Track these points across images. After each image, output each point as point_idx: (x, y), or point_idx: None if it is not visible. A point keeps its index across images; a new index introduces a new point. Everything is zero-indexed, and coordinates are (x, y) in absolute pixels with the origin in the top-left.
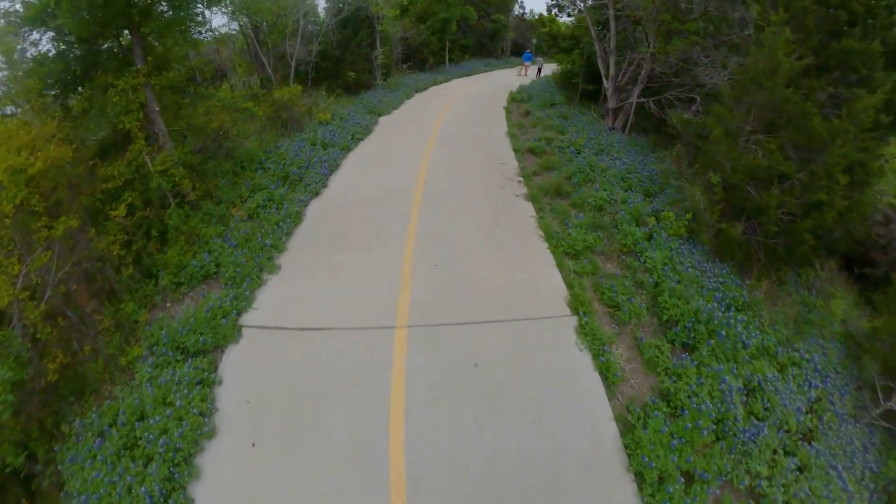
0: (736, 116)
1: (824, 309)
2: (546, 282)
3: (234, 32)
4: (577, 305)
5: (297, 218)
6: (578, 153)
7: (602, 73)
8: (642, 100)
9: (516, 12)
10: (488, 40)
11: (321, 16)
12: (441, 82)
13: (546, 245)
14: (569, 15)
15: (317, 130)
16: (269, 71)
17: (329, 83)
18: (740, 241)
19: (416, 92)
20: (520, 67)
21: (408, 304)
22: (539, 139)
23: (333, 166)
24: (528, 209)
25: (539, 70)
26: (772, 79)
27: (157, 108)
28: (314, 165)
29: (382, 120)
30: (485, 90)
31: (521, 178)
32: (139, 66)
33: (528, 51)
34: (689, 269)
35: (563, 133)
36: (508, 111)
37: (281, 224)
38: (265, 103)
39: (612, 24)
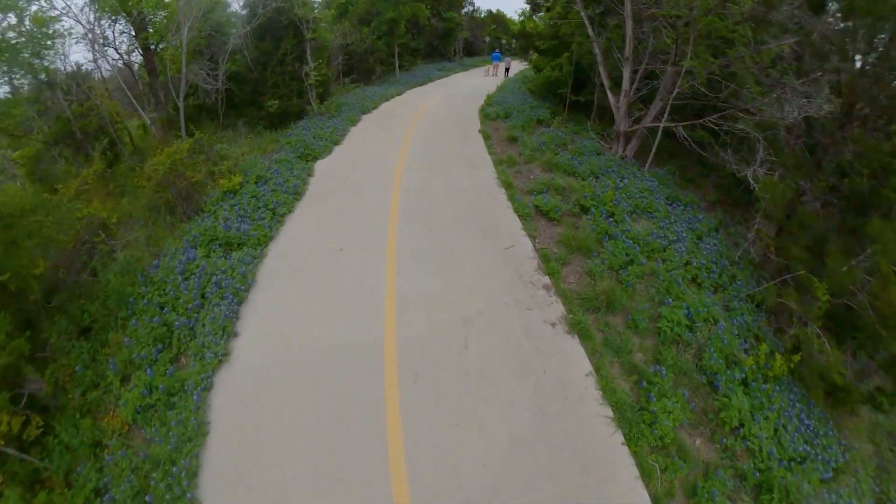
0: None
1: None
2: None
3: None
4: None
5: (200, 430)
6: (611, 216)
7: (605, 84)
8: (671, 124)
9: (466, 9)
10: (440, 41)
11: (231, 20)
12: (393, 96)
13: (621, 440)
14: (547, 9)
15: (218, 212)
16: (181, 106)
17: (248, 116)
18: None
19: (364, 113)
20: (488, 67)
21: None
22: (546, 188)
23: (241, 293)
24: (576, 356)
25: (507, 70)
26: None
27: None
28: (211, 299)
29: (320, 168)
30: (450, 104)
31: (544, 276)
32: None
33: (498, 50)
34: (804, 447)
35: (574, 174)
36: (487, 136)
37: (176, 445)
38: (140, 175)
39: (629, 24)
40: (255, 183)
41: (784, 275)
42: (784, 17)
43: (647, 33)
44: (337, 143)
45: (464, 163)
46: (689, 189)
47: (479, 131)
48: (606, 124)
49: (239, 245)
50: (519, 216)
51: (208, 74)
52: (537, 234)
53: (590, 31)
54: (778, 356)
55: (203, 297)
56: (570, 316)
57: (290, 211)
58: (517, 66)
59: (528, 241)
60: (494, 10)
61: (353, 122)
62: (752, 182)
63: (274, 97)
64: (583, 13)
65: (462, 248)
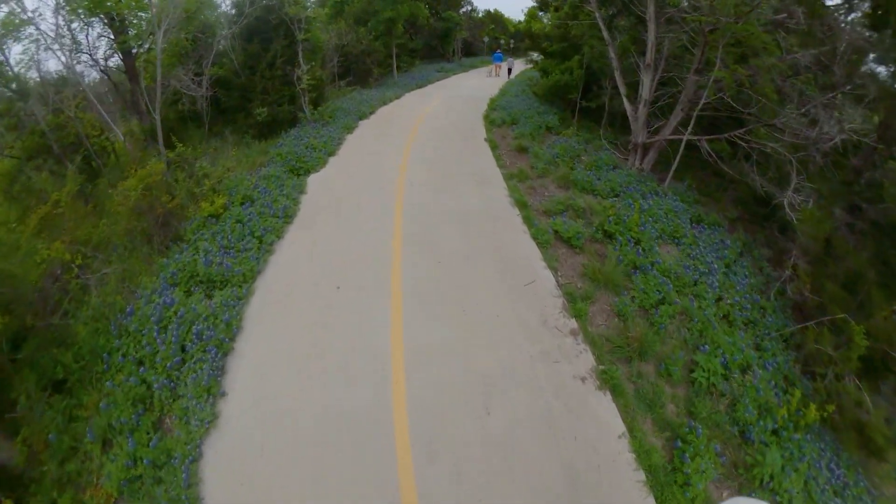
0: None
1: None
2: None
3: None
4: None
5: None
6: (637, 242)
7: (621, 91)
8: (694, 137)
9: (464, 9)
10: (438, 42)
11: (218, 21)
12: (391, 100)
13: None
14: (556, 9)
15: (199, 243)
16: (157, 119)
17: (236, 124)
18: None
19: (361, 119)
20: (490, 68)
21: None
22: (564, 208)
23: (226, 344)
24: (608, 416)
25: (510, 70)
26: None
27: None
28: (192, 353)
29: (313, 184)
30: (452, 108)
31: (570, 318)
32: None
33: (499, 51)
34: (835, 501)
35: (593, 191)
36: (494, 145)
37: None
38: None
39: (653, 28)
40: (241, 204)
41: (818, 313)
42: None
43: (664, 38)
44: (332, 153)
45: (471, 178)
46: (708, 205)
47: (486, 140)
48: (619, 131)
49: (222, 283)
50: (537, 243)
51: (193, 80)
52: (559, 266)
53: (604, 34)
54: (812, 406)
55: (183, 350)
56: (601, 367)
57: (279, 237)
58: (519, 66)
59: (550, 274)
60: (492, 10)
61: (350, 129)
62: (787, 210)
63: (263, 104)
64: (597, 14)
65: (476, 284)
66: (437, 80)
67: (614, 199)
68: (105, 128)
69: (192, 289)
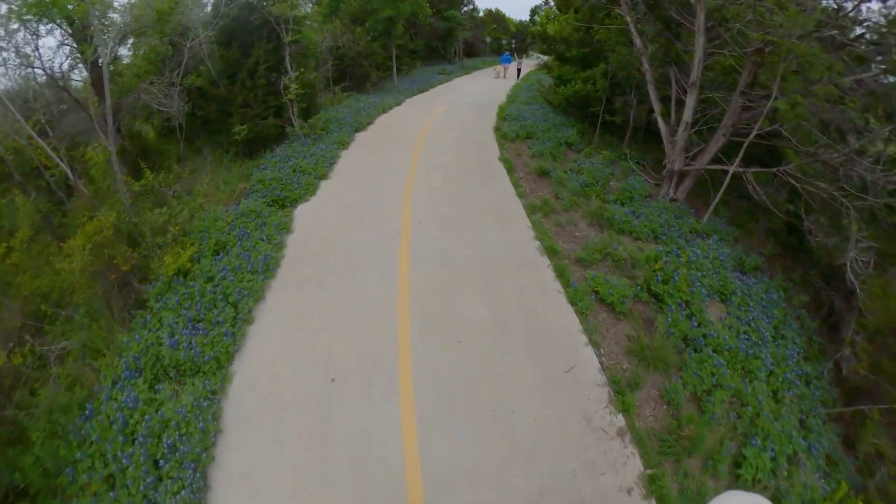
0: None
1: None
2: None
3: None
4: None
5: None
6: (686, 303)
7: (655, 108)
8: (741, 169)
9: (466, 8)
10: (439, 42)
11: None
12: (391, 107)
13: None
14: (576, 10)
15: (163, 315)
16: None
17: (217, 142)
18: None
19: (357, 131)
20: (498, 70)
21: None
22: (600, 255)
23: (204, 459)
24: None
25: (518, 71)
26: None
27: None
28: (167, 471)
29: (300, 219)
30: (458, 118)
31: (617, 414)
32: None
33: (507, 52)
34: None
35: (632, 232)
36: (509, 165)
37: None
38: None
39: (702, 42)
40: (214, 254)
41: (872, 388)
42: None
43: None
44: (323, 176)
45: (488, 211)
46: (741, 237)
47: (500, 159)
48: (644, 149)
49: (192, 371)
50: (575, 308)
51: (166, 92)
52: (601, 339)
53: (637, 42)
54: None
55: (157, 466)
56: (648, 472)
57: (259, 300)
58: (528, 65)
59: (592, 352)
60: (493, 10)
61: (344, 144)
62: (849, 274)
63: (244, 119)
64: (629, 18)
65: (507, 374)
66: (440, 84)
67: (654, 240)
68: (72, 149)
69: (159, 378)
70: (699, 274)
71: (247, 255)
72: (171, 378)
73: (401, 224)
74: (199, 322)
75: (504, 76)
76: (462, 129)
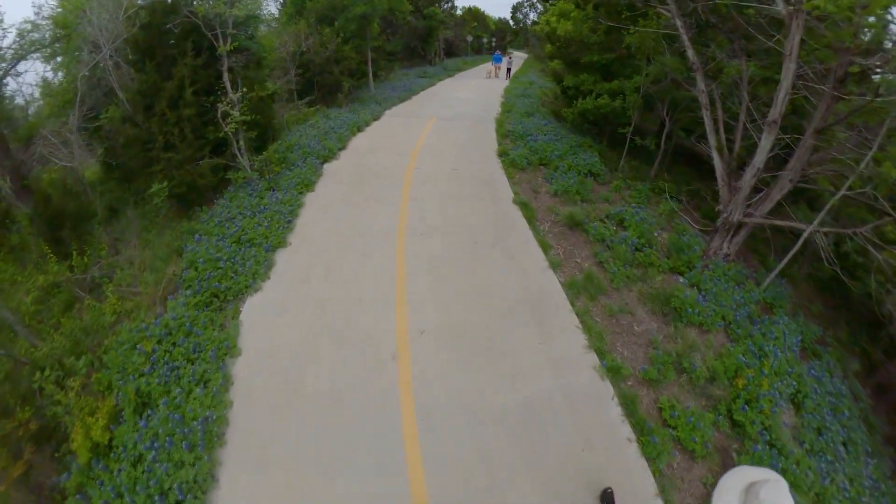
0: None
1: None
2: None
3: None
4: None
5: None
6: (766, 429)
7: (711, 142)
8: (820, 230)
9: (446, 5)
10: (419, 42)
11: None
12: (369, 123)
13: None
14: (595, 6)
15: None
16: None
17: (143, 192)
18: None
19: (326, 162)
20: (490, 70)
21: None
22: (670, 368)
23: None
24: None
25: (509, 70)
26: None
27: None
28: None
29: (249, 330)
30: (450, 138)
31: None
32: None
33: (498, 52)
34: None
35: (702, 324)
36: (530, 214)
37: None
38: None
39: (791, 69)
40: (138, 416)
41: None
42: None
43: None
44: (280, 244)
45: (517, 301)
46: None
47: (515, 202)
48: (672, 176)
49: None
50: (652, 467)
51: (69, 137)
52: (675, 493)
53: (690, 55)
54: None
55: None
56: None
57: (209, 488)
58: (518, 59)
59: None
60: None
61: (309, 186)
62: None
63: (165, 168)
64: (678, 22)
65: None
66: (422, 90)
67: (724, 330)
68: None
69: None
70: (776, 376)
71: (179, 418)
72: None
73: (394, 341)
74: None
75: (496, 76)
76: (459, 156)
